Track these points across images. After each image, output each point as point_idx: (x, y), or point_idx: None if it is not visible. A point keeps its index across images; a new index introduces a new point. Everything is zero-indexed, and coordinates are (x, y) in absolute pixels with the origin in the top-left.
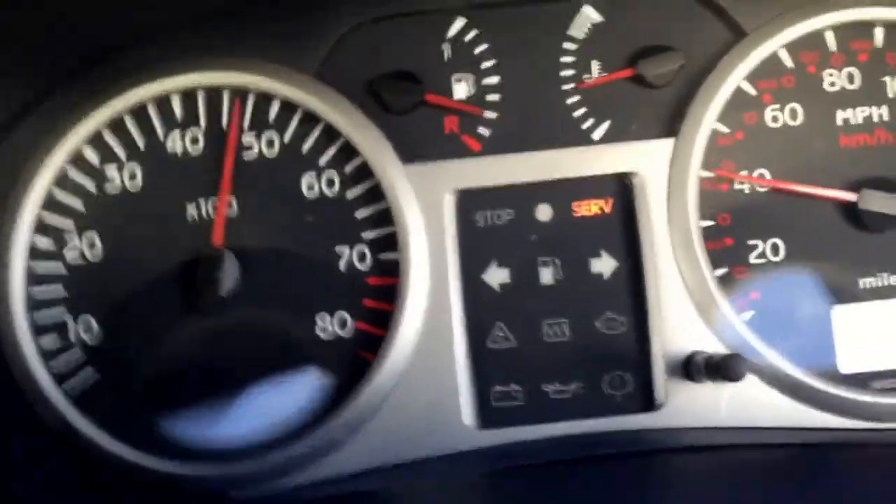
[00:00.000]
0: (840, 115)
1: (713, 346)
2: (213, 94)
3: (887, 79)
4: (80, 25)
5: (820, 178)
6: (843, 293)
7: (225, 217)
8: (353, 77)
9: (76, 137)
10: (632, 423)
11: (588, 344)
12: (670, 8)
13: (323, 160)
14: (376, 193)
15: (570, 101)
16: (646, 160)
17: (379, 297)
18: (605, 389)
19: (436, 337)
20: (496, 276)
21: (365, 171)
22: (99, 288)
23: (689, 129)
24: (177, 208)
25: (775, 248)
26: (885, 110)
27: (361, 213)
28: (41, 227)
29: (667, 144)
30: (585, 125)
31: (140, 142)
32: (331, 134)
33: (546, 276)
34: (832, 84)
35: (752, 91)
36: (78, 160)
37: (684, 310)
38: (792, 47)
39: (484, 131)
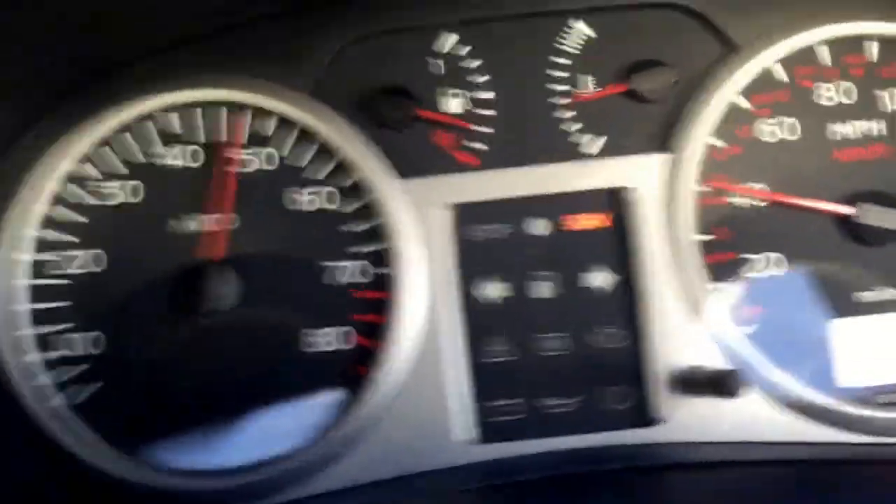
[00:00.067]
0: (834, 130)
1: (713, 360)
2: (212, 110)
3: (882, 93)
4: (79, 44)
5: (816, 193)
6: (843, 307)
7: (226, 231)
8: (348, 93)
9: (75, 153)
10: (632, 438)
11: (588, 358)
12: (663, 23)
13: (321, 175)
14: (373, 208)
15: (564, 115)
16: (641, 174)
17: (377, 312)
18: (605, 404)
19: (434, 351)
20: (493, 290)
21: (362, 187)
22: (99, 302)
23: (683, 143)
24: (176, 223)
25: (774, 262)
26: (880, 124)
27: (359, 228)
28: (42, 244)
29: (662, 159)
30: (580, 140)
31: (139, 157)
32: (328, 150)
33: (544, 290)
34: (827, 98)
35: (746, 105)
36: (77, 176)
37: (683, 324)
38: (786, 62)
39: (479, 146)
